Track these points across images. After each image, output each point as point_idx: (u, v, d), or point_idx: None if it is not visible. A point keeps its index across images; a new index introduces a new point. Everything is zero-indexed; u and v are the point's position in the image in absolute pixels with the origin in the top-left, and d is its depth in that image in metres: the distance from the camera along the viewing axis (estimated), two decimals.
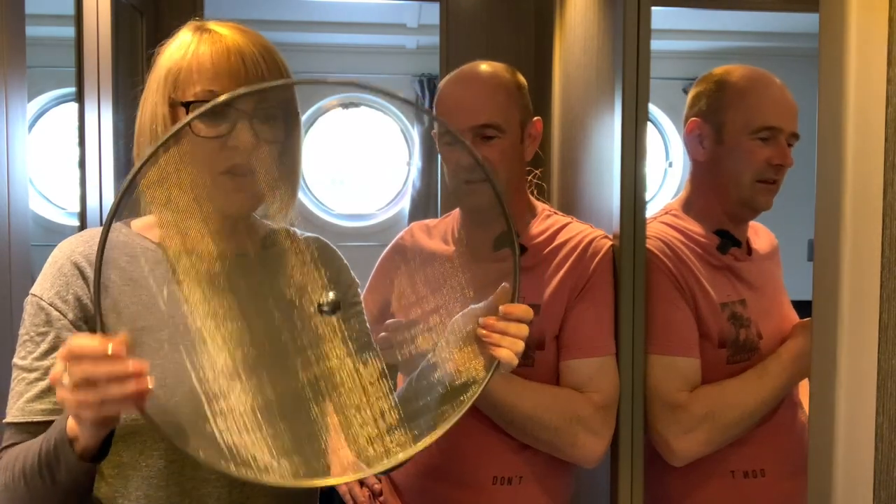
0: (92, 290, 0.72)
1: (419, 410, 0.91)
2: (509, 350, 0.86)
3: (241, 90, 0.74)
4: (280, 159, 0.90)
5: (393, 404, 0.89)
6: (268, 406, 0.87)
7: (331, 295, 0.87)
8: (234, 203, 0.87)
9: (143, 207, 0.92)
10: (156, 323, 0.87)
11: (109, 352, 0.67)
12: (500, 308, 0.88)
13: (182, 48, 0.86)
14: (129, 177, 0.70)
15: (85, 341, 0.68)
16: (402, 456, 0.82)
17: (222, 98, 0.73)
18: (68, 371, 0.67)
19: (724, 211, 1.31)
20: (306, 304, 0.96)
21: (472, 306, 0.91)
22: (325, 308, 0.87)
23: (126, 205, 0.71)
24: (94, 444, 0.74)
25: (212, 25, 0.88)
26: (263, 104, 0.85)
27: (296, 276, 0.98)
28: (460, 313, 0.93)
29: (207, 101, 0.82)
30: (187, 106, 0.85)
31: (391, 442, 0.87)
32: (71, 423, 0.74)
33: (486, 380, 0.86)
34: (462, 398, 0.85)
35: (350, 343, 0.96)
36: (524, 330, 0.88)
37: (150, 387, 0.69)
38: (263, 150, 0.85)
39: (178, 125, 0.72)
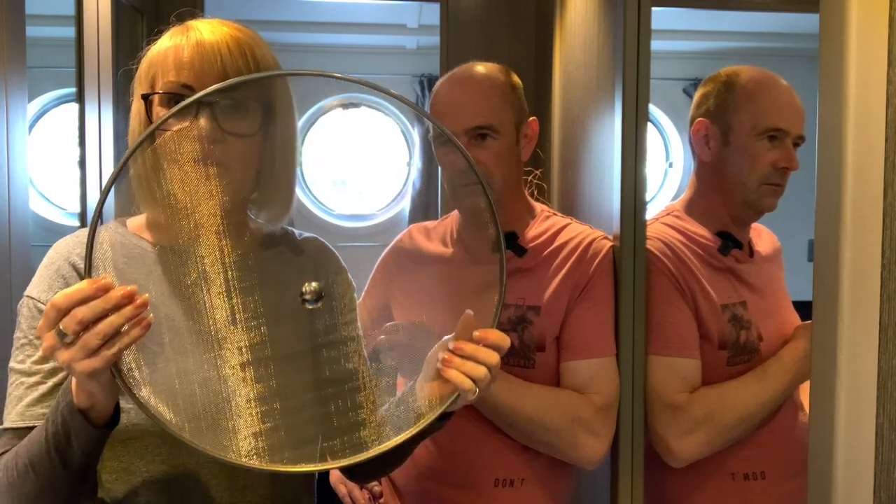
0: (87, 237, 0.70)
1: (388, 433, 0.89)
2: (465, 375, 0.79)
3: (212, 88, 0.73)
4: (261, 153, 0.87)
5: (357, 420, 0.88)
6: (269, 402, 0.87)
7: (313, 285, 0.82)
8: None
9: (136, 205, 0.92)
10: (156, 325, 0.87)
11: (93, 287, 0.65)
12: (475, 333, 0.81)
13: (159, 45, 0.86)
14: (109, 181, 0.71)
15: (66, 290, 0.65)
16: (338, 464, 0.79)
17: (191, 98, 0.73)
18: (63, 327, 0.65)
19: (728, 212, 1.31)
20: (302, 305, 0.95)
21: (445, 337, 0.85)
22: (308, 297, 0.81)
23: (115, 208, 0.72)
24: (108, 409, 0.73)
25: (194, 22, 0.87)
26: (228, 94, 0.83)
27: (294, 277, 0.97)
28: (437, 344, 0.87)
29: (170, 94, 0.83)
30: (145, 98, 0.85)
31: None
32: (79, 397, 0.71)
33: (442, 408, 0.81)
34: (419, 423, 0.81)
35: (339, 348, 0.95)
36: (493, 357, 0.81)
37: (149, 318, 0.67)
38: (232, 142, 0.82)
39: (142, 137, 0.73)
